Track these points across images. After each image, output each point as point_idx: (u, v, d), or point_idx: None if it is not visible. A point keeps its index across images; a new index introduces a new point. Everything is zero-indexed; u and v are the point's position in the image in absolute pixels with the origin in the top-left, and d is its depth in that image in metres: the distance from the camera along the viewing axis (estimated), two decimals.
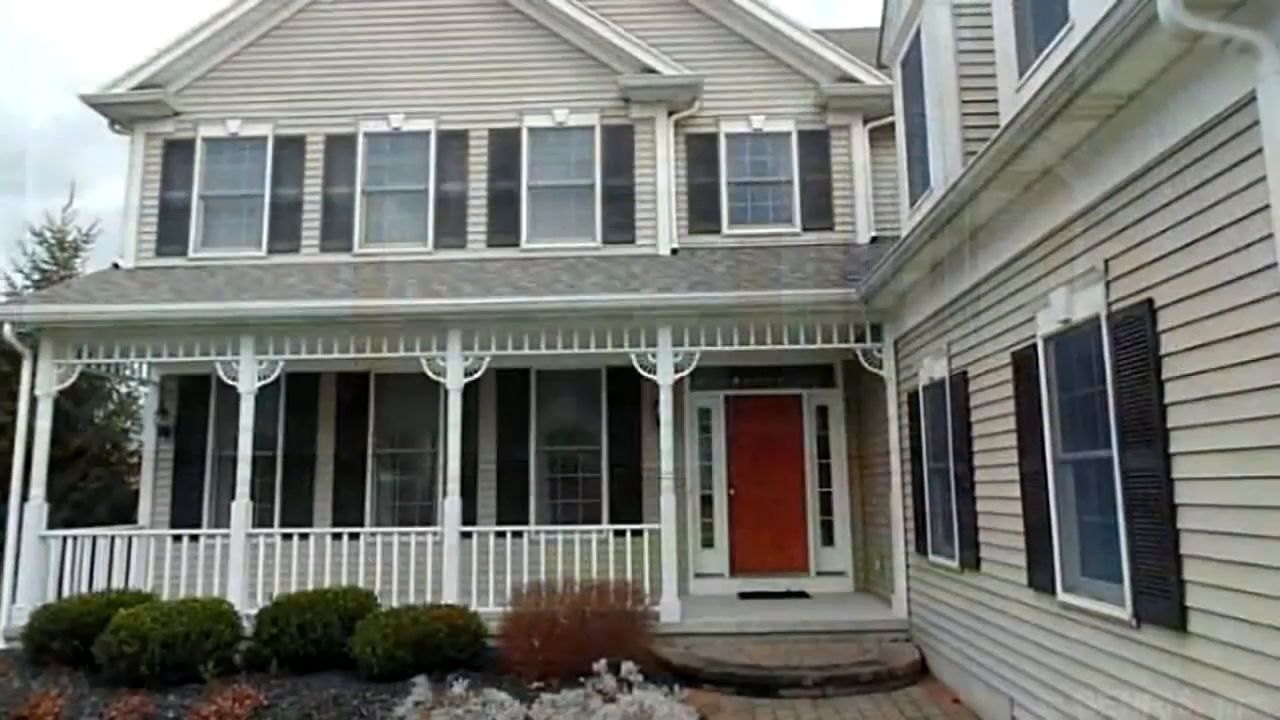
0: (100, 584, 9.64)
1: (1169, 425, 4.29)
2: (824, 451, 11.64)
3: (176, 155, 12.13)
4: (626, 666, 7.41)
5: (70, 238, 16.29)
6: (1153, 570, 4.42)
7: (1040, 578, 5.72)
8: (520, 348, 9.74)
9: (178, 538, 9.89)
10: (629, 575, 9.11)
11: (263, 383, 9.78)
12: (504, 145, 11.99)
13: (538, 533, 9.79)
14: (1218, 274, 3.90)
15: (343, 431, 11.66)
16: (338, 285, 10.48)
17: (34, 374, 9.91)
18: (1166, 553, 4.28)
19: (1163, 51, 3.94)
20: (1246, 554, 3.76)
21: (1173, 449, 4.27)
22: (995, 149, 5.38)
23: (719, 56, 12.32)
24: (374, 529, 10.28)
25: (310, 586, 9.09)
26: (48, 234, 16.10)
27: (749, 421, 11.71)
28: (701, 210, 12.06)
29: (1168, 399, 4.30)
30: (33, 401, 9.86)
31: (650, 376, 9.64)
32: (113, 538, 9.96)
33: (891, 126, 10.25)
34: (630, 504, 11.11)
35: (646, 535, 9.45)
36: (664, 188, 11.77)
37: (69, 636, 8.43)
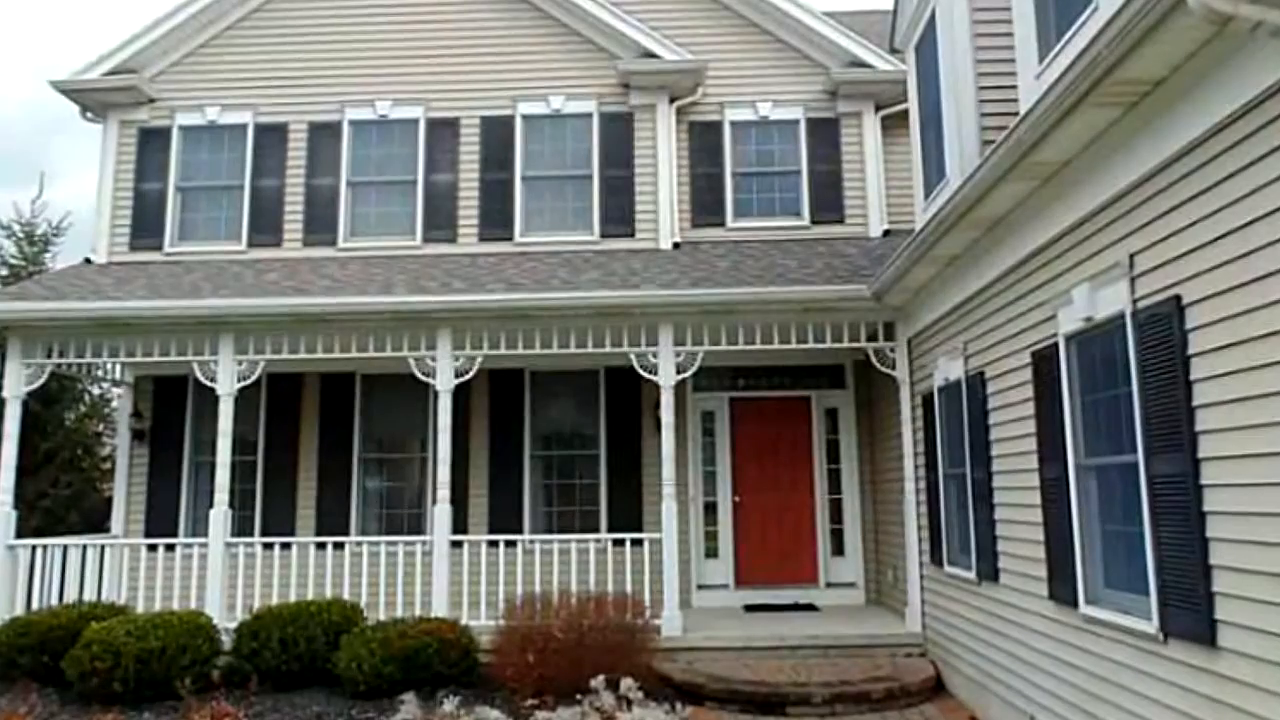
0: (71, 596, 9.64)
1: (1197, 429, 4.29)
2: (834, 456, 11.64)
3: (152, 144, 12.14)
4: (626, 683, 7.41)
5: (40, 231, 16.26)
6: (1180, 582, 4.42)
7: (1062, 590, 5.72)
8: (514, 347, 9.74)
9: (153, 547, 9.89)
10: (628, 587, 9.12)
11: (242, 384, 9.78)
12: (497, 133, 11.99)
13: (532, 542, 9.80)
14: (1249, 269, 3.89)
15: (327, 435, 11.66)
16: (322, 281, 10.48)
17: (1, 375, 9.91)
18: (1195, 563, 4.28)
19: (1191, 35, 3.93)
20: None
21: (1201, 453, 4.27)
22: (1014, 138, 5.37)
23: (723, 40, 12.32)
24: (360, 538, 10.27)
25: (293, 598, 9.09)
26: (16, 227, 16.07)
27: (755, 425, 11.71)
28: (705, 202, 12.06)
29: (1196, 401, 4.30)
30: None
31: (651, 378, 9.64)
32: (84, 547, 9.96)
33: (905, 114, 10.24)
34: (630, 512, 11.11)
35: (647, 545, 9.45)
36: (665, 178, 11.77)
37: (38, 651, 8.43)
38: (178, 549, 9.85)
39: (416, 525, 11.30)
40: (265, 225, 11.95)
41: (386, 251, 11.70)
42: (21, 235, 16.07)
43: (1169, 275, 4.51)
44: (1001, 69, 7.06)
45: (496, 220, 11.85)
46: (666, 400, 9.56)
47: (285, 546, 9.63)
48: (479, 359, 9.73)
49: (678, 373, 9.61)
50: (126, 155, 12.15)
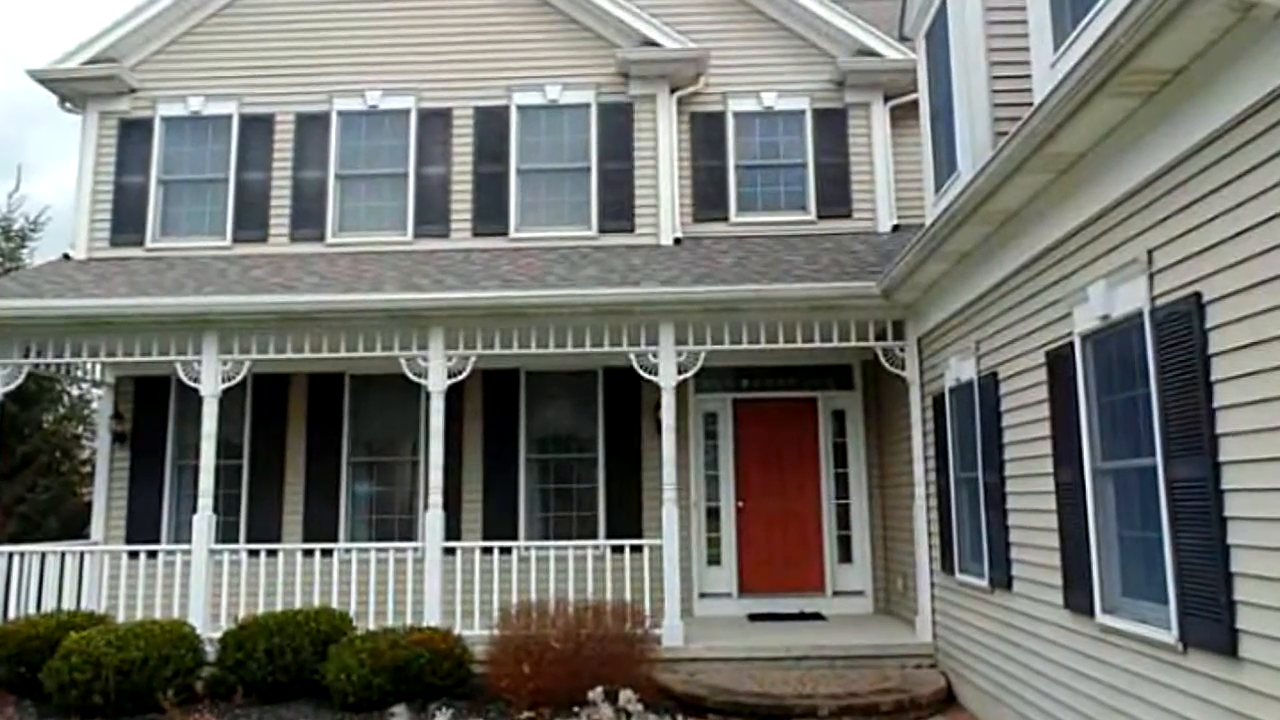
0: (50, 604, 9.65)
1: (1218, 431, 4.29)
2: (841, 460, 11.65)
3: (133, 136, 12.14)
4: (625, 695, 7.41)
5: (17, 226, 16.32)
6: (1200, 590, 4.42)
7: (1077, 598, 5.72)
8: (509, 347, 9.73)
9: (134, 554, 9.88)
10: (628, 595, 9.11)
11: (227, 385, 9.78)
12: (491, 125, 11.99)
13: (528, 549, 9.80)
14: (1272, 265, 3.89)
15: (315, 438, 11.66)
16: (309, 278, 10.49)
17: None
18: (1215, 571, 4.28)
19: (1211, 22, 3.93)
20: None
21: (1222, 457, 4.27)
22: (1028, 129, 5.37)
23: (726, 28, 12.32)
24: (349, 545, 10.26)
25: (279, 607, 9.08)
26: None
27: (759, 427, 11.71)
28: (707, 196, 12.06)
29: (1217, 402, 4.30)
30: None
31: (651, 378, 9.64)
32: (63, 554, 9.96)
33: (915, 105, 10.25)
34: (629, 517, 11.11)
35: (647, 551, 9.45)
36: (666, 171, 11.77)
37: (15, 662, 8.44)
38: (160, 556, 9.85)
39: (408, 531, 11.31)
40: (251, 220, 11.95)
41: (377, 247, 11.70)
42: None
43: (1189, 272, 4.51)
44: (1015, 58, 7.07)
45: (491, 215, 11.84)
46: (667, 402, 9.55)
47: (271, 553, 9.63)
48: (472, 359, 9.73)
49: (679, 373, 9.61)
50: (107, 147, 12.15)
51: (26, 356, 10.02)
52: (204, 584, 9.38)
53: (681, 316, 9.64)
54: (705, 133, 12.18)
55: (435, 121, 12.03)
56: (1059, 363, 5.99)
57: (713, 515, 11.58)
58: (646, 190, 11.79)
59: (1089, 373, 5.67)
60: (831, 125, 12.13)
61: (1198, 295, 4.42)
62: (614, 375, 11.24)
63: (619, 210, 11.79)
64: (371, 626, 8.89)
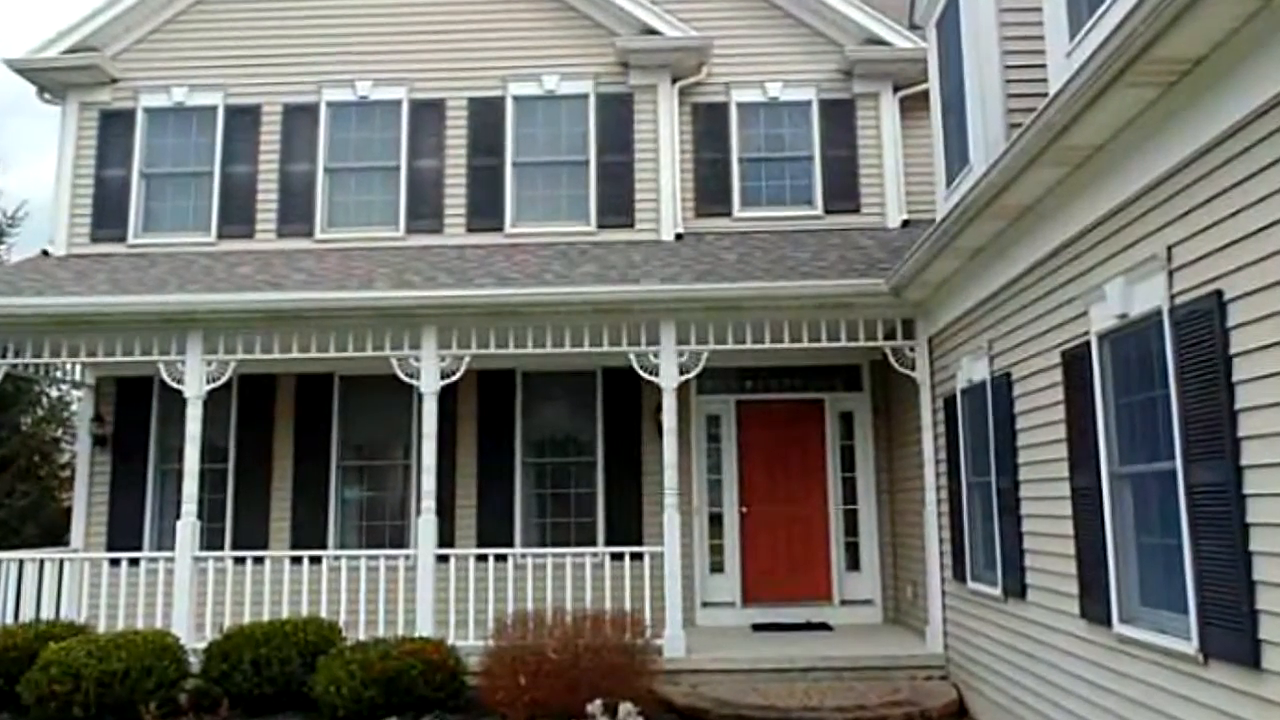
0: (28, 614, 9.66)
1: (1240, 434, 4.29)
2: (849, 464, 11.65)
3: (115, 127, 12.14)
4: (625, 707, 7.42)
5: None
6: (1221, 599, 4.42)
7: (1094, 608, 5.72)
8: (504, 346, 9.74)
9: (115, 561, 9.89)
10: (627, 604, 9.12)
11: (212, 386, 9.78)
12: (486, 116, 11.99)
13: (524, 556, 9.81)
14: None
15: (303, 441, 11.65)
16: (297, 275, 10.49)
17: None
18: (1237, 579, 4.28)
19: (1233, 10, 3.93)
20: None
21: (1244, 461, 4.26)
22: (1043, 121, 5.37)
23: (729, 15, 12.32)
24: (338, 552, 10.29)
25: (266, 617, 9.10)
26: None
27: (764, 430, 11.71)
28: (709, 190, 12.06)
29: (1239, 404, 4.30)
30: None
31: (652, 379, 9.64)
32: (42, 561, 9.97)
33: (925, 95, 10.24)
34: (629, 523, 11.12)
35: (647, 559, 9.45)
36: (667, 164, 11.77)
37: None
38: (142, 563, 9.85)
39: (399, 538, 11.30)
40: (236, 215, 11.95)
41: (367, 243, 11.70)
42: None
43: (1210, 269, 4.51)
44: (1029, 47, 7.07)
45: (486, 210, 11.84)
46: (669, 403, 9.56)
47: (258, 561, 9.63)
48: (467, 359, 9.73)
49: (681, 374, 9.61)
50: (87, 139, 12.15)
51: (4, 356, 10.02)
52: (188, 593, 9.38)
53: (683, 315, 9.64)
54: (708, 124, 12.18)
55: (428, 113, 12.04)
56: (1075, 363, 5.99)
57: (715, 521, 11.58)
58: (647, 184, 11.79)
59: (1106, 373, 5.67)
60: (839, 116, 12.13)
61: (1219, 293, 4.42)
62: (613, 376, 11.24)
63: (618, 205, 11.79)
64: (362, 636, 8.89)
